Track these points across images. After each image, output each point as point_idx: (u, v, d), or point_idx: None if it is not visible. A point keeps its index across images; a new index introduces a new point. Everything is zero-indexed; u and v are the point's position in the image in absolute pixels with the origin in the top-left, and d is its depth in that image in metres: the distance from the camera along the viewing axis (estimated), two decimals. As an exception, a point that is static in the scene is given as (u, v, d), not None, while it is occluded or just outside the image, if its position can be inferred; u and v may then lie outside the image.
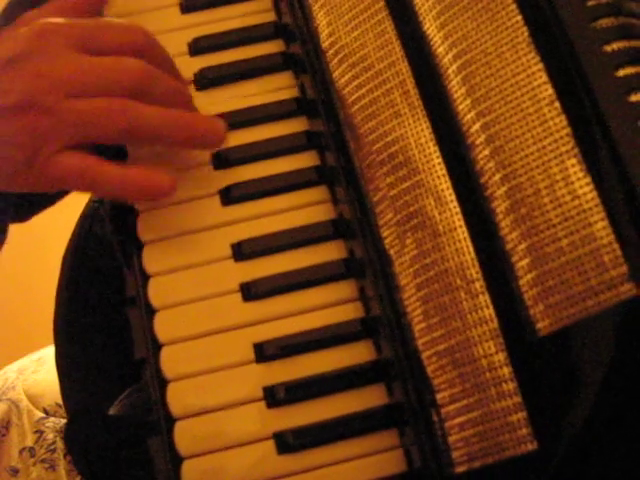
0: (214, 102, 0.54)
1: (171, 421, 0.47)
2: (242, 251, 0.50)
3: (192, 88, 0.55)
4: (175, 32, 0.56)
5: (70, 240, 0.68)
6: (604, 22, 0.42)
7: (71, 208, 0.66)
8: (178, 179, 0.52)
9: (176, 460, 0.46)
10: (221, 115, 0.53)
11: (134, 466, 0.50)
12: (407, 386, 0.44)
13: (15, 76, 0.47)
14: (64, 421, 0.69)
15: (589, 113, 0.41)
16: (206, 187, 0.52)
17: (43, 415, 0.71)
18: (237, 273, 0.50)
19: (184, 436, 0.47)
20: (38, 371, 0.76)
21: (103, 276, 0.62)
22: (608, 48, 0.41)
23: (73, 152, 0.47)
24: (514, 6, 0.44)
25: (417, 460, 0.44)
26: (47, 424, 0.70)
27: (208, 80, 0.55)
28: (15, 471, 0.69)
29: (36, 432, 0.70)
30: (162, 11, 0.57)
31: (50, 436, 0.69)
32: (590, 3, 0.42)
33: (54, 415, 0.71)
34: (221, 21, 0.56)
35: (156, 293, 0.50)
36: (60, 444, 0.68)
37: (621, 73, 0.41)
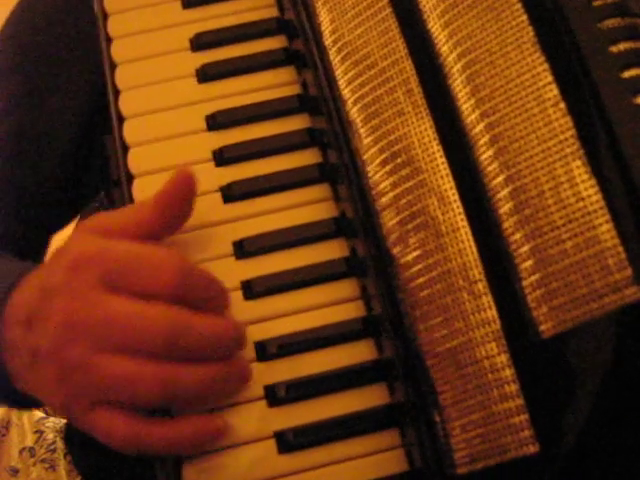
0: (216, 98, 0.54)
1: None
2: (244, 249, 0.50)
3: (194, 82, 0.55)
4: (176, 27, 0.56)
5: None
6: (610, 22, 0.41)
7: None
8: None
9: (177, 460, 0.46)
10: (223, 112, 0.53)
11: (134, 466, 0.50)
12: (409, 386, 0.44)
13: (49, 313, 0.44)
14: (64, 421, 0.69)
15: (594, 114, 0.41)
16: (208, 184, 0.52)
17: (43, 415, 0.71)
18: (238, 271, 0.50)
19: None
20: (38, 372, 0.75)
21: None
22: (614, 49, 0.41)
23: (112, 411, 0.44)
24: (519, 5, 0.43)
25: (418, 460, 0.44)
26: (47, 424, 0.70)
27: (210, 75, 0.54)
28: (15, 471, 0.69)
29: (36, 432, 0.70)
30: (163, 6, 0.56)
31: (50, 436, 0.69)
32: (596, 3, 0.42)
33: (54, 415, 0.70)
34: (223, 16, 0.56)
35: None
36: (60, 444, 0.68)
37: (627, 74, 0.40)
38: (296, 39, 0.54)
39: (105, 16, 0.56)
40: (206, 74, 0.54)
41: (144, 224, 0.46)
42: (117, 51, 0.55)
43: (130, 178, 0.52)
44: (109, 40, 0.56)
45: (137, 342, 0.43)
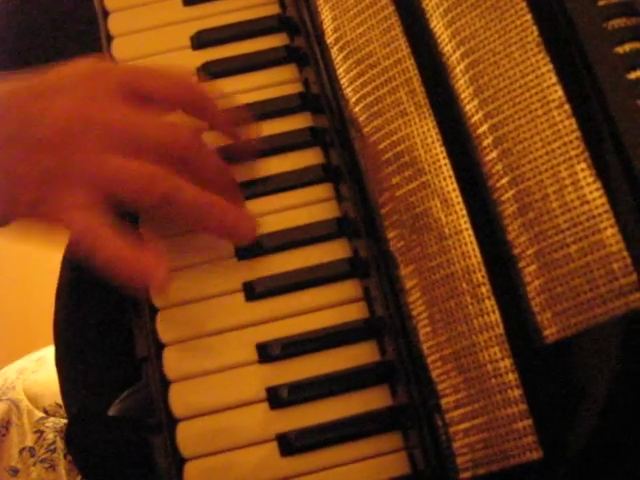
0: (217, 97, 0.53)
1: (173, 422, 0.47)
2: (245, 249, 0.50)
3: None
4: (177, 25, 0.55)
5: (70, 240, 0.67)
6: (616, 22, 0.41)
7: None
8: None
9: (178, 461, 0.46)
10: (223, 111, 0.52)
11: (134, 466, 0.50)
12: (411, 390, 0.43)
13: (52, 107, 0.44)
14: (64, 421, 0.69)
15: (599, 116, 0.40)
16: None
17: (43, 415, 0.71)
18: (240, 272, 0.49)
19: (187, 437, 0.46)
20: (38, 371, 0.75)
21: (103, 276, 0.61)
22: (620, 50, 0.40)
23: (89, 207, 0.43)
24: (523, 4, 0.43)
25: (421, 463, 0.44)
26: (47, 424, 0.70)
27: (211, 74, 0.54)
28: (15, 471, 0.69)
29: (36, 432, 0.70)
30: (164, 3, 0.56)
31: (50, 436, 0.69)
32: (601, 3, 0.41)
33: (54, 415, 0.70)
34: (224, 14, 0.55)
35: (159, 296, 0.49)
36: (60, 444, 0.68)
37: (633, 76, 0.40)
38: (298, 36, 0.53)
39: (105, 14, 0.56)
40: (207, 72, 0.54)
41: None
42: (117, 49, 0.55)
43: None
44: (109, 38, 0.55)
45: (155, 146, 0.44)
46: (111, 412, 0.56)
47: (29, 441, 0.70)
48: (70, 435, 0.51)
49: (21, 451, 0.70)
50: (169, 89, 0.46)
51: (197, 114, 0.47)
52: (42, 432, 0.70)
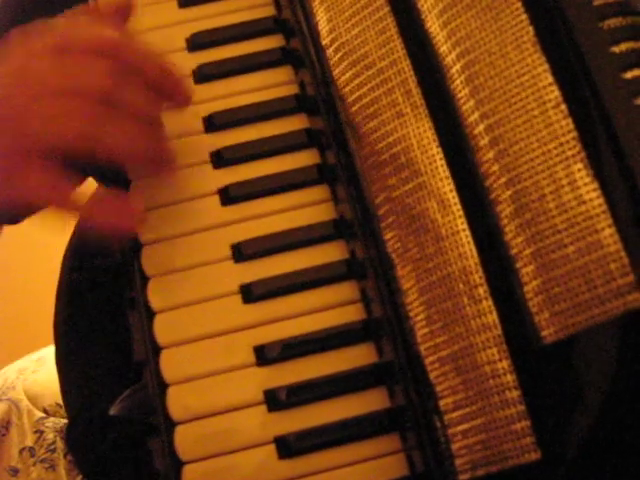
0: (213, 99, 0.53)
1: (171, 425, 0.47)
2: (242, 252, 0.50)
3: (190, 83, 0.54)
4: (173, 27, 0.55)
5: (70, 240, 0.67)
6: (612, 22, 0.41)
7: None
8: (177, 178, 0.51)
9: (177, 464, 0.46)
10: (220, 113, 0.52)
11: (134, 466, 0.50)
12: (409, 392, 0.43)
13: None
14: (64, 421, 0.69)
15: (596, 116, 0.40)
16: (205, 186, 0.51)
17: (43, 415, 0.71)
18: (237, 274, 0.49)
19: (184, 440, 0.46)
20: (38, 371, 0.75)
21: (103, 276, 0.62)
22: (616, 49, 0.40)
23: (44, 168, 0.46)
24: (519, 4, 0.43)
25: (419, 465, 0.44)
26: (47, 424, 0.70)
27: (207, 76, 0.54)
28: (15, 471, 0.69)
29: (36, 432, 0.70)
30: (160, 5, 0.56)
31: (50, 436, 0.69)
32: (597, 2, 0.41)
33: (54, 415, 0.70)
34: (220, 15, 0.55)
35: (155, 295, 0.49)
36: (60, 444, 0.68)
37: (629, 75, 0.40)
38: (293, 38, 0.53)
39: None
40: (203, 74, 0.54)
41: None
42: (113, 51, 0.55)
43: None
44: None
45: (77, 84, 0.46)
46: (111, 412, 0.56)
47: (29, 441, 0.70)
48: (70, 435, 0.51)
49: (21, 451, 0.70)
50: (91, 40, 0.48)
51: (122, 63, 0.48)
52: (42, 432, 0.70)
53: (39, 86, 0.46)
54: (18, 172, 0.46)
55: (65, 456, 0.67)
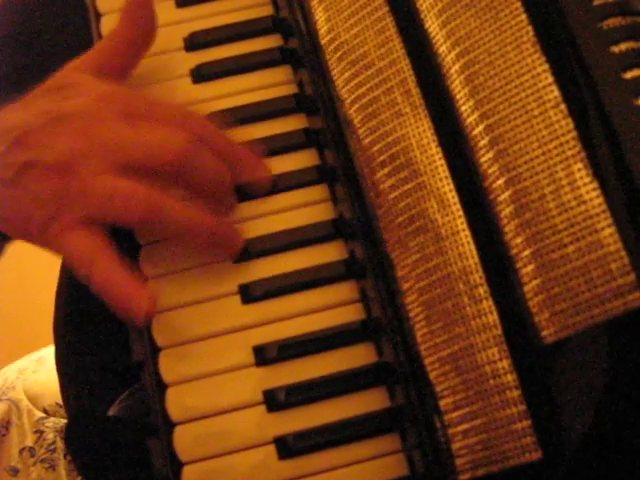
0: (211, 98, 0.53)
1: (170, 426, 0.46)
2: (240, 252, 0.49)
3: (189, 82, 0.54)
4: (170, 27, 0.55)
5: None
6: (611, 22, 0.41)
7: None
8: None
9: (176, 465, 0.46)
10: (219, 113, 0.52)
11: (134, 466, 0.50)
12: (409, 391, 0.43)
13: (61, 133, 0.46)
14: (64, 421, 0.69)
15: (595, 116, 0.40)
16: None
17: (43, 415, 0.71)
18: (236, 274, 0.49)
19: (183, 441, 0.46)
20: (38, 371, 0.75)
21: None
22: (615, 49, 0.40)
23: (88, 231, 0.46)
24: (518, 4, 0.43)
25: (419, 465, 0.44)
26: (47, 424, 0.70)
27: (205, 76, 0.54)
28: (15, 471, 0.69)
29: (36, 432, 0.70)
30: (157, 5, 0.55)
31: (50, 436, 0.69)
32: (597, 2, 0.41)
33: (54, 415, 0.70)
34: (218, 15, 0.55)
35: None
36: (60, 444, 0.68)
37: (629, 75, 0.40)
38: (292, 38, 0.53)
39: (98, 16, 0.55)
40: (201, 74, 0.54)
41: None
42: (110, 51, 0.55)
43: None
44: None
45: (153, 158, 0.45)
46: (111, 412, 0.56)
47: (29, 441, 0.70)
48: (70, 435, 0.51)
49: (21, 451, 0.69)
50: (175, 119, 0.47)
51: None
52: (42, 432, 0.70)
53: (112, 154, 0.45)
54: (58, 227, 0.46)
55: (65, 456, 0.67)
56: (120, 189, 0.45)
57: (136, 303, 0.45)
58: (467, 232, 0.43)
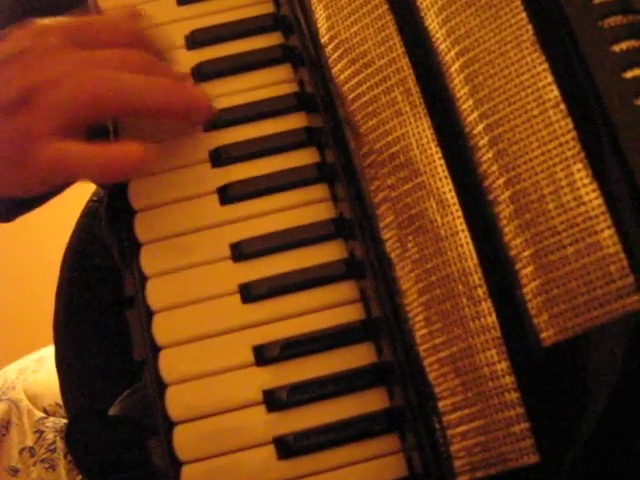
0: (212, 97, 0.53)
1: (170, 425, 0.46)
2: (241, 251, 0.49)
3: (189, 81, 0.54)
4: (171, 25, 0.55)
5: (70, 240, 0.67)
6: (612, 20, 0.40)
7: (71, 208, 0.66)
8: (175, 176, 0.51)
9: (176, 464, 0.46)
10: (219, 111, 0.52)
11: (134, 466, 0.50)
12: (408, 392, 0.43)
13: (9, 75, 0.46)
14: (64, 421, 0.69)
15: (596, 116, 0.39)
16: (204, 185, 0.51)
17: (43, 415, 0.71)
18: (236, 274, 0.49)
19: (183, 440, 0.46)
20: (38, 371, 0.75)
21: (103, 276, 0.61)
22: (616, 48, 0.40)
23: (57, 140, 0.46)
24: (518, 2, 0.42)
25: (418, 466, 0.44)
26: (47, 424, 0.70)
27: (206, 74, 0.53)
28: (15, 471, 0.69)
29: (36, 432, 0.70)
30: (157, 3, 0.55)
31: (50, 436, 0.69)
32: (597, 1, 0.41)
33: (54, 415, 0.70)
34: (218, 13, 0.55)
35: (154, 295, 0.49)
36: (60, 444, 0.68)
37: (629, 75, 0.39)
38: (292, 35, 0.53)
39: (99, 13, 0.55)
40: (202, 72, 0.53)
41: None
42: (111, 49, 0.55)
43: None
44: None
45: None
46: (111, 412, 0.56)
47: (29, 441, 0.70)
48: (70, 435, 0.51)
49: (21, 451, 0.70)
50: (111, 34, 0.49)
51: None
52: (42, 432, 0.70)
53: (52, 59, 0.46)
54: (32, 154, 0.46)
55: (65, 456, 0.68)
56: (86, 77, 0.46)
57: (129, 154, 0.47)
58: (466, 233, 0.42)
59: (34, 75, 0.46)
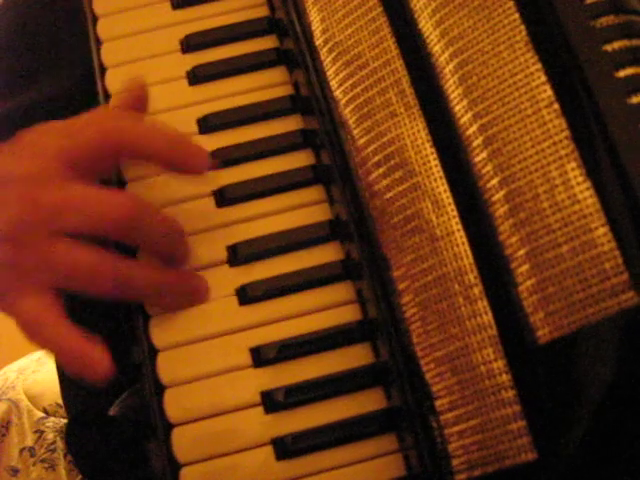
0: (207, 100, 0.53)
1: (169, 427, 0.47)
2: (237, 254, 0.49)
3: (185, 84, 0.54)
4: (167, 28, 0.55)
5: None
6: (604, 20, 0.40)
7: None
8: (171, 180, 0.51)
9: (174, 466, 0.46)
10: (215, 114, 0.52)
11: (133, 467, 0.50)
12: (405, 392, 0.43)
13: (7, 199, 0.45)
14: (64, 421, 0.69)
15: (589, 115, 0.40)
16: (199, 188, 0.51)
17: (43, 415, 0.71)
18: (233, 276, 0.49)
19: (182, 442, 0.46)
20: (38, 371, 0.75)
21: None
22: (608, 47, 0.40)
23: (41, 298, 0.45)
24: (511, 3, 0.43)
25: (416, 465, 0.44)
26: (47, 424, 0.70)
27: (201, 78, 0.54)
28: (15, 471, 0.69)
29: (36, 432, 0.70)
30: (153, 7, 0.55)
31: (50, 436, 0.69)
32: (589, 1, 0.41)
33: (54, 415, 0.70)
34: (213, 16, 0.55)
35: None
36: (60, 444, 0.68)
37: (622, 74, 0.40)
38: (287, 38, 0.53)
39: (95, 19, 0.56)
40: (197, 76, 0.54)
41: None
42: (107, 54, 0.55)
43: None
44: (99, 43, 0.55)
45: (98, 220, 0.44)
46: (111, 412, 0.56)
47: (29, 441, 0.70)
48: (70, 435, 0.51)
49: (21, 451, 0.70)
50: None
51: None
52: (42, 432, 0.70)
53: (56, 217, 0.44)
54: (12, 296, 0.45)
55: (65, 456, 0.68)
56: (83, 260, 0.44)
57: (90, 363, 0.45)
58: (462, 232, 0.42)
59: (27, 209, 0.44)
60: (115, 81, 0.53)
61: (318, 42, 0.49)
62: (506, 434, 0.40)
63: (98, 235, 0.45)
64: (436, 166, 0.44)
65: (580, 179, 0.39)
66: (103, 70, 0.54)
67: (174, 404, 0.47)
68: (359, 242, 0.46)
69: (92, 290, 0.45)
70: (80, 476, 0.65)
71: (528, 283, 0.40)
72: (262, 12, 0.55)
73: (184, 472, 0.46)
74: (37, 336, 0.45)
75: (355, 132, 0.47)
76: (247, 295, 0.49)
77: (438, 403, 0.42)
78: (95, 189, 0.45)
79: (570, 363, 0.39)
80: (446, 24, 0.44)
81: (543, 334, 0.40)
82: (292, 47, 0.52)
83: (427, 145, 0.44)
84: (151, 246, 0.47)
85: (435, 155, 0.44)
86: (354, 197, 0.47)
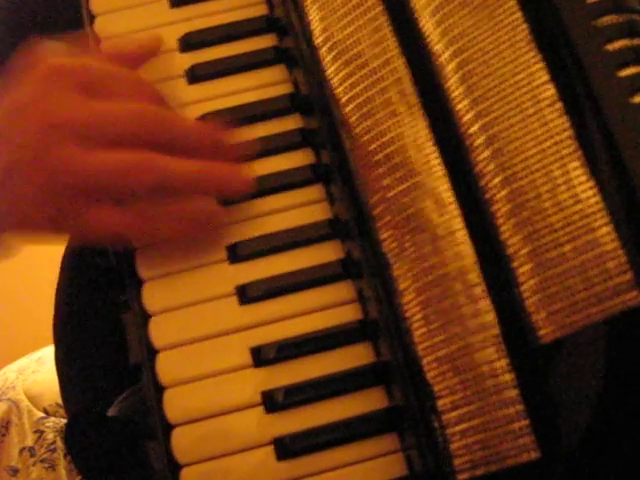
0: (206, 99, 0.53)
1: (168, 428, 0.46)
2: (237, 253, 0.49)
3: (183, 83, 0.54)
4: (164, 27, 0.55)
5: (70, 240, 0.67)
6: (606, 20, 0.40)
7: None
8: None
9: (174, 467, 0.46)
10: (214, 113, 0.52)
11: (133, 467, 0.50)
12: (407, 391, 0.43)
13: (24, 127, 0.44)
14: (64, 421, 0.69)
15: (591, 115, 0.40)
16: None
17: (43, 415, 0.71)
18: (233, 276, 0.49)
19: (182, 443, 0.46)
20: (38, 371, 0.75)
21: (103, 276, 0.61)
22: (610, 47, 0.40)
23: (106, 209, 0.45)
24: (513, 2, 0.43)
25: (418, 464, 0.44)
26: (47, 424, 0.70)
27: (199, 76, 0.53)
28: (15, 471, 0.69)
29: (36, 432, 0.70)
30: (151, 5, 0.55)
31: (50, 436, 0.69)
32: (590, 0, 0.41)
33: (54, 415, 0.70)
34: (212, 15, 0.55)
35: (150, 297, 0.49)
36: (60, 444, 0.68)
37: (624, 73, 0.40)
38: (286, 37, 0.53)
39: (92, 17, 0.55)
40: (196, 75, 0.53)
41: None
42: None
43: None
44: (97, 41, 0.55)
45: (124, 131, 0.44)
46: (111, 412, 0.55)
47: (29, 441, 0.69)
48: (70, 435, 0.51)
49: (21, 451, 0.69)
50: (129, 89, 0.47)
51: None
52: (42, 432, 0.69)
53: (80, 131, 0.44)
54: (72, 219, 0.45)
55: (65, 456, 0.67)
56: (120, 160, 0.44)
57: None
58: (463, 232, 0.42)
59: (49, 130, 0.44)
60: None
61: (317, 41, 0.49)
62: (508, 433, 0.40)
63: (129, 140, 0.45)
64: (437, 165, 0.44)
65: (582, 178, 0.40)
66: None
67: (174, 404, 0.47)
68: (360, 241, 0.46)
69: (133, 186, 0.44)
70: (80, 476, 0.65)
71: (530, 282, 0.40)
72: (261, 10, 0.55)
73: (184, 473, 0.46)
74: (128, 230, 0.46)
75: (355, 131, 0.47)
76: (247, 295, 0.48)
77: (440, 403, 0.42)
78: (117, 104, 0.46)
79: (573, 362, 0.40)
80: (447, 23, 0.44)
81: (546, 333, 0.40)
82: (291, 46, 0.52)
83: (428, 144, 0.44)
84: (183, 144, 0.46)
85: (436, 154, 0.44)
86: (354, 196, 0.46)
